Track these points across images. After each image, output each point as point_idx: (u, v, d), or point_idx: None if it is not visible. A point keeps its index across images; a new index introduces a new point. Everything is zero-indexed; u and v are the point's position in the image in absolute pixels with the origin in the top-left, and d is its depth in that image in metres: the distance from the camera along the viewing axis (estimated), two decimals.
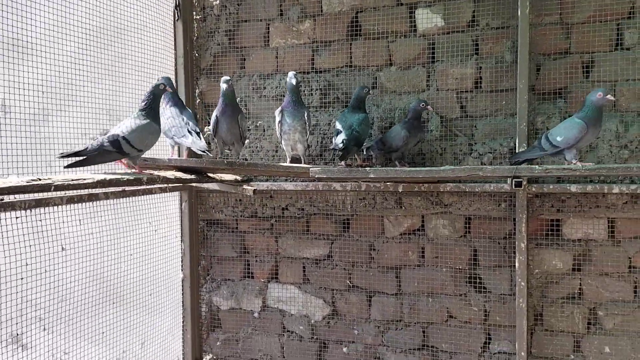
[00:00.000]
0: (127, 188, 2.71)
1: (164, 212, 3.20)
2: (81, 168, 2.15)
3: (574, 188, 2.61)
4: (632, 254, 2.64)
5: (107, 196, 2.59)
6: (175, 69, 3.24)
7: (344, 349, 3.12)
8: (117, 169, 2.41)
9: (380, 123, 2.97)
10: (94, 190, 2.41)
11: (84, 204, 2.61)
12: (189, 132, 2.55)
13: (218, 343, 3.37)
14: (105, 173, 2.25)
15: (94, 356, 2.72)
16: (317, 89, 3.07)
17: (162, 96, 2.53)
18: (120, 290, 2.87)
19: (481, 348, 2.89)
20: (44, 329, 2.54)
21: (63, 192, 2.28)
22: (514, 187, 2.47)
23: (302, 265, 3.18)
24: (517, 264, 2.72)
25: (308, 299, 3.17)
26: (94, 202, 2.67)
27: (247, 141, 3.18)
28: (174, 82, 3.23)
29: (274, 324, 3.25)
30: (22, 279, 2.24)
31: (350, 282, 3.09)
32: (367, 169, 2.54)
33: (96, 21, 2.69)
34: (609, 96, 2.22)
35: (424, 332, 2.99)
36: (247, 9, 3.19)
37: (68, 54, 2.52)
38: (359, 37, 3.01)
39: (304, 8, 3.09)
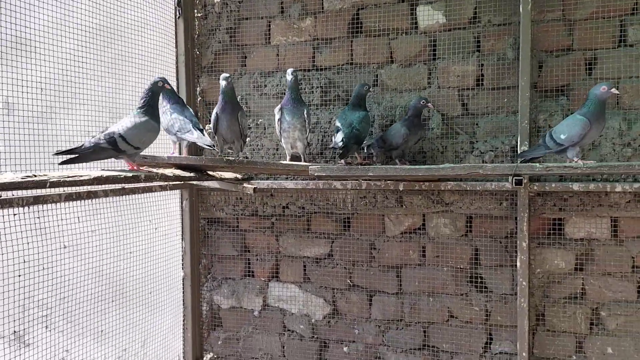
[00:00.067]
0: (126, 186, 2.71)
1: (165, 211, 3.20)
2: (81, 165, 2.16)
3: (576, 186, 2.58)
4: (636, 254, 2.60)
5: (106, 194, 2.59)
6: (177, 67, 3.24)
7: (345, 349, 3.10)
8: (122, 166, 2.40)
9: (381, 121, 2.95)
10: (92, 187, 2.41)
11: (86, 201, 2.62)
12: (194, 127, 2.57)
13: (219, 342, 3.36)
14: (102, 170, 2.25)
15: (95, 354, 2.72)
16: (317, 87, 3.05)
17: (162, 95, 2.54)
18: (121, 288, 2.87)
19: (482, 348, 2.86)
20: (46, 327, 2.55)
21: (62, 190, 2.28)
22: (514, 185, 2.44)
23: (302, 264, 3.17)
24: (518, 264, 2.69)
25: (308, 298, 3.15)
26: (97, 200, 2.68)
27: (248, 139, 3.17)
28: (174, 80, 3.23)
29: (275, 323, 3.24)
30: (19, 275, 2.24)
31: (350, 281, 3.07)
32: (367, 167, 2.53)
33: (98, 19, 2.69)
34: (613, 90, 2.17)
35: (424, 331, 2.96)
36: (248, 6, 3.18)
37: (70, 52, 2.53)
38: (359, 35, 2.99)
39: (304, 5, 3.07)
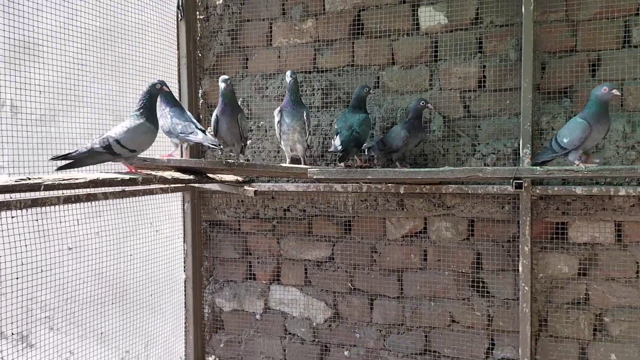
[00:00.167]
0: (126, 188, 2.71)
1: (167, 213, 3.20)
2: (83, 167, 2.17)
3: (579, 190, 2.54)
4: None
5: (106, 196, 2.59)
6: (179, 69, 3.24)
7: (346, 353, 3.07)
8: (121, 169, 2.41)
9: (382, 123, 2.93)
10: (89, 190, 2.42)
11: (90, 204, 2.63)
12: (197, 129, 2.57)
13: (221, 345, 3.35)
14: (99, 172, 2.26)
15: (98, 356, 2.73)
16: (319, 89, 3.03)
17: (160, 98, 2.54)
18: (123, 290, 2.88)
19: (484, 354, 2.83)
20: (51, 329, 2.56)
21: (61, 192, 2.29)
22: (514, 189, 2.40)
23: (303, 267, 3.15)
24: (520, 268, 2.65)
25: (310, 301, 3.14)
26: (100, 203, 2.69)
27: (249, 141, 3.16)
28: (176, 82, 3.23)
29: (276, 326, 3.23)
30: (17, 278, 2.25)
31: (351, 284, 3.05)
32: (366, 170, 2.50)
33: (100, 22, 2.70)
34: (614, 91, 2.12)
35: (426, 336, 2.93)
36: (250, 8, 3.18)
37: (74, 55, 2.54)
38: (361, 36, 2.97)
39: (306, 7, 3.06)
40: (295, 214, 3.14)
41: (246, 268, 3.28)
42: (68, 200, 2.36)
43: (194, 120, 2.62)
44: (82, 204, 2.56)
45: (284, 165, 2.73)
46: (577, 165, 2.19)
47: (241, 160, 2.84)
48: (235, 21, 3.21)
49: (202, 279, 3.37)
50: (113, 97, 2.82)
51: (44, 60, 2.40)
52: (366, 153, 2.85)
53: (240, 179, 3.01)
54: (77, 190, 2.34)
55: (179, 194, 3.28)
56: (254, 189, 2.95)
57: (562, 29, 2.63)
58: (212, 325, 3.37)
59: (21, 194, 2.06)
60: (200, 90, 3.30)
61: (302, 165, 2.75)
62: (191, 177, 2.59)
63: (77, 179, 2.01)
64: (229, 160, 2.56)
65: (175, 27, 3.21)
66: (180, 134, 2.58)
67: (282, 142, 2.84)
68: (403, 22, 2.88)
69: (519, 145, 2.63)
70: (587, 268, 2.64)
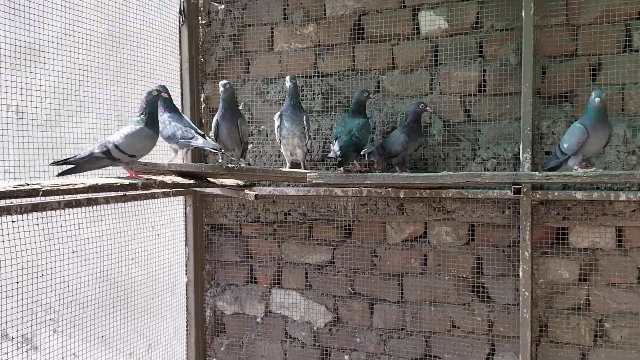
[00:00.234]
0: (127, 192, 2.73)
1: (169, 217, 3.21)
2: (85, 173, 2.20)
3: (579, 195, 2.52)
4: None
5: (107, 201, 2.61)
6: (181, 74, 3.26)
7: (346, 357, 3.07)
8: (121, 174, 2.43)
9: (382, 127, 2.93)
10: (92, 194, 2.43)
11: (92, 208, 2.65)
12: (197, 134, 2.58)
13: (222, 348, 3.36)
14: (99, 177, 2.27)
15: (101, 358, 2.74)
16: (319, 93, 3.04)
17: (159, 104, 2.55)
18: (125, 293, 2.89)
19: (485, 359, 2.82)
20: (54, 331, 2.58)
21: (61, 197, 2.31)
22: (514, 194, 2.39)
23: (304, 271, 3.16)
24: (521, 273, 2.64)
25: (310, 305, 3.14)
26: (102, 207, 2.70)
27: (250, 146, 3.18)
28: (179, 87, 3.25)
29: (277, 330, 3.23)
30: (17, 282, 2.27)
31: (352, 288, 3.05)
32: (365, 174, 2.51)
33: (103, 28, 2.72)
34: (597, 99, 2.17)
35: (426, 341, 2.92)
36: (252, 13, 3.19)
37: (78, 60, 2.57)
38: (361, 41, 2.98)
39: (307, 12, 3.07)
40: (296, 218, 3.15)
41: (247, 271, 3.29)
42: (69, 205, 2.37)
43: (193, 125, 2.63)
44: (86, 208, 2.58)
45: (283, 169, 2.74)
46: (576, 170, 2.19)
47: (241, 165, 2.85)
48: (237, 26, 3.23)
49: (204, 282, 3.38)
50: (116, 101, 2.84)
51: (48, 65, 2.43)
52: (366, 158, 2.85)
53: (241, 183, 3.02)
54: (77, 195, 2.36)
55: (181, 197, 3.30)
56: (254, 193, 2.95)
57: (563, 33, 2.62)
58: (213, 329, 3.38)
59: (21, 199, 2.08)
60: (202, 95, 3.32)
61: (301, 170, 2.75)
62: (192, 181, 2.61)
63: (76, 184, 2.03)
64: (229, 165, 2.57)
65: (178, 32, 3.23)
66: (181, 140, 2.59)
67: (282, 146, 2.84)
68: (403, 27, 2.88)
69: (519, 149, 2.62)
70: (588, 273, 2.62)
